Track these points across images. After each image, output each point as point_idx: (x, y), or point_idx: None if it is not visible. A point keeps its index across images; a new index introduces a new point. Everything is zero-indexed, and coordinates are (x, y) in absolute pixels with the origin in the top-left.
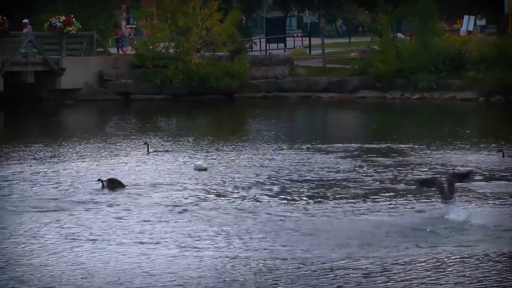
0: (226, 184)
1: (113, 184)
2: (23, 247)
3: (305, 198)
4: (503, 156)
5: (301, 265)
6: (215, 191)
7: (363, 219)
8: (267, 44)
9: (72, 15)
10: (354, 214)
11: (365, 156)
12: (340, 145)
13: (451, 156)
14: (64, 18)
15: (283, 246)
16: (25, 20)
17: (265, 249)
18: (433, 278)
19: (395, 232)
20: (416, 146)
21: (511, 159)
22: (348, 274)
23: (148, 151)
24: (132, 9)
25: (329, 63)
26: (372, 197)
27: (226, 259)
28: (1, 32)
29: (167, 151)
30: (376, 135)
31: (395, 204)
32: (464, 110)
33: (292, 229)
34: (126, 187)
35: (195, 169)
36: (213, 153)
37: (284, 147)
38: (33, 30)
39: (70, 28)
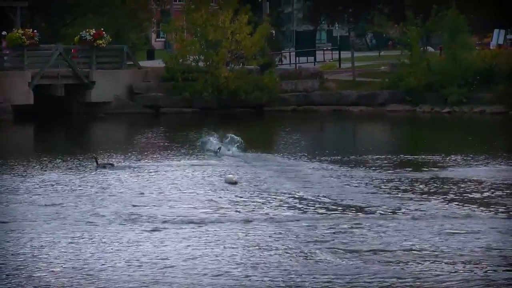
0: (263, 198)
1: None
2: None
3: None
4: None
5: None
6: (253, 204)
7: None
8: (297, 58)
9: (102, 29)
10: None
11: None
12: (372, 157)
13: (488, 169)
14: (94, 32)
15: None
16: (4, 33)
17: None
18: None
19: None
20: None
21: None
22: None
23: (97, 165)
24: (162, 23)
25: (359, 77)
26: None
27: None
28: (31, 45)
29: (112, 164)
30: (415, 148)
31: None
32: (494, 124)
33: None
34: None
35: (225, 182)
36: (243, 166)
37: (315, 160)
38: (63, 44)
39: (100, 42)
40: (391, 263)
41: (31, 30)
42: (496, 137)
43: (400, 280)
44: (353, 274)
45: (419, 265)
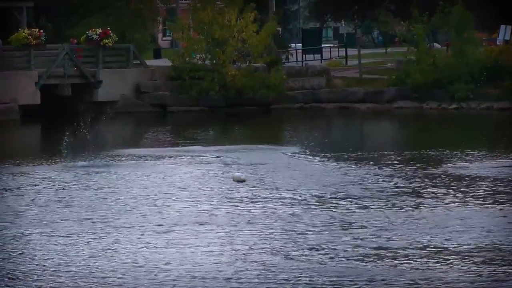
0: (275, 196)
1: None
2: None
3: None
4: None
5: None
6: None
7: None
8: (303, 55)
9: (108, 28)
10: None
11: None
12: (382, 154)
13: (498, 165)
14: (100, 31)
15: None
16: None
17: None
18: None
19: None
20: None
21: None
22: None
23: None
24: (168, 21)
25: (366, 74)
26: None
27: None
28: (38, 45)
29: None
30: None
31: None
32: (501, 119)
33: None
34: None
35: (233, 180)
36: (251, 164)
37: (325, 157)
38: (69, 44)
39: (107, 41)
40: (420, 264)
41: (37, 30)
42: (505, 133)
43: (428, 281)
44: (386, 274)
45: (444, 265)
